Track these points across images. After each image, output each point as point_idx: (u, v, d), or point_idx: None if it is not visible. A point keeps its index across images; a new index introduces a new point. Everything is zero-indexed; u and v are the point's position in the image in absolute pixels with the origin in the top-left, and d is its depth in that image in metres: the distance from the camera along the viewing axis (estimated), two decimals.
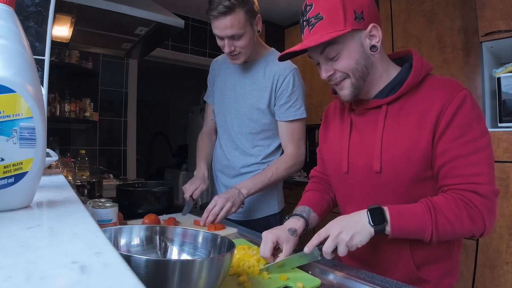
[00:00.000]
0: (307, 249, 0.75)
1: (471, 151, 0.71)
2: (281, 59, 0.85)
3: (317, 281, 0.71)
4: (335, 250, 0.72)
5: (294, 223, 0.88)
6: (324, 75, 0.80)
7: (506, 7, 1.69)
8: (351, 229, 0.70)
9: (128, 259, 0.46)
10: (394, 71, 0.82)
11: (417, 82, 0.78)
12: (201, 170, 1.37)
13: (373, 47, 0.77)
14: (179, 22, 1.55)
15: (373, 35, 0.77)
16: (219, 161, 1.43)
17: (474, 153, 0.71)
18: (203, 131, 1.53)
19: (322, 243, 0.74)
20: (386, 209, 0.71)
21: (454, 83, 0.76)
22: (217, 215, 1.10)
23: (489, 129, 1.77)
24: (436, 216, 0.69)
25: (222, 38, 1.17)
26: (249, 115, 1.31)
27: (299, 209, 0.95)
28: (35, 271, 0.24)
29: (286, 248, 0.82)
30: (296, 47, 0.77)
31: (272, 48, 1.36)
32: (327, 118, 1.00)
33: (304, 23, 0.77)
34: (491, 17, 1.73)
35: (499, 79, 1.72)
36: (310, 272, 0.77)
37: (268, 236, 0.82)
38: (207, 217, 1.10)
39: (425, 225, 0.69)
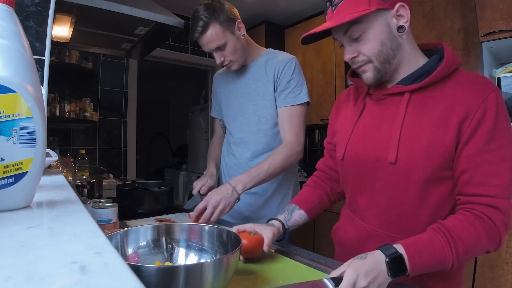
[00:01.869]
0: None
1: (497, 159, 0.66)
2: (304, 41, 0.81)
3: None
4: None
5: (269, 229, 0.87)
6: (347, 56, 0.77)
7: (506, 7, 1.69)
8: (372, 283, 0.61)
9: (137, 269, 0.47)
10: (422, 59, 0.78)
11: (448, 74, 0.73)
12: (209, 169, 1.39)
13: (400, 27, 0.73)
14: (179, 22, 1.55)
15: (401, 15, 0.72)
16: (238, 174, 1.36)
17: (500, 162, 0.66)
18: (213, 139, 1.58)
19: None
20: (404, 255, 0.63)
21: (486, 81, 0.71)
22: (209, 219, 1.06)
23: None
24: (456, 246, 0.64)
25: (211, 52, 1.25)
26: (259, 112, 1.31)
27: (286, 207, 0.97)
28: (35, 271, 0.24)
29: (266, 233, 0.83)
30: (318, 28, 0.74)
31: (269, 48, 1.39)
32: (339, 106, 0.97)
33: (327, 3, 0.74)
34: (491, 17, 1.73)
35: (499, 79, 1.72)
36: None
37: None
38: (196, 216, 1.07)
39: (446, 257, 0.64)
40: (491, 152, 0.67)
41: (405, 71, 0.77)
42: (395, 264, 0.63)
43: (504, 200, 0.66)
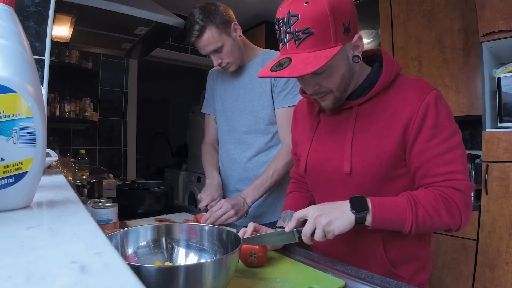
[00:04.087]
0: (287, 228, 0.74)
1: (445, 150, 0.72)
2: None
3: (341, 282, 0.70)
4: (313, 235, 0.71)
5: None
6: (310, 90, 0.78)
7: (506, 7, 1.69)
8: (330, 214, 0.69)
9: (137, 269, 0.46)
10: (365, 71, 0.82)
11: (388, 83, 0.78)
12: (215, 178, 1.35)
13: (356, 57, 0.75)
14: (179, 22, 1.55)
15: (357, 45, 0.74)
16: (237, 174, 1.39)
17: (449, 151, 0.72)
18: (205, 141, 1.53)
19: (301, 226, 0.73)
20: (368, 199, 0.71)
21: (424, 83, 0.76)
22: (219, 218, 1.10)
23: (489, 129, 1.77)
24: (416, 209, 0.70)
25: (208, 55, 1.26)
26: (256, 112, 1.31)
27: (282, 214, 0.98)
28: (35, 271, 0.24)
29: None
30: (290, 74, 0.68)
31: (266, 48, 1.38)
32: (296, 117, 1.02)
33: (288, 35, 0.70)
34: (491, 17, 1.73)
35: (499, 79, 1.72)
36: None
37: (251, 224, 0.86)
38: (208, 218, 1.10)
39: (406, 216, 0.70)
40: (438, 146, 0.72)
41: (353, 87, 0.81)
42: (357, 199, 0.71)
43: (460, 181, 0.71)
